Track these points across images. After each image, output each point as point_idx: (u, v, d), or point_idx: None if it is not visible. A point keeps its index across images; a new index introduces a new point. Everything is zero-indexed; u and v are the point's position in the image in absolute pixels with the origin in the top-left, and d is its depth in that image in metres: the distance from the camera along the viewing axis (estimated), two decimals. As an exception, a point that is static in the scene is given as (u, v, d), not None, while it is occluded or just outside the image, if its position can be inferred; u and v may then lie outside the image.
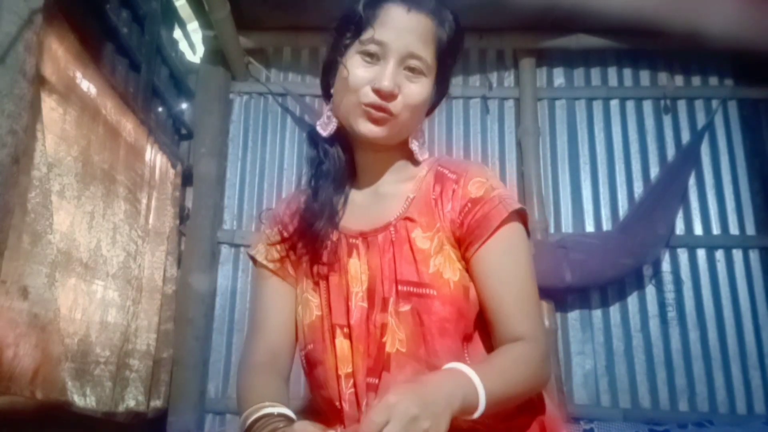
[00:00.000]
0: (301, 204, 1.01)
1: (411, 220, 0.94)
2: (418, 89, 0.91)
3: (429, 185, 0.96)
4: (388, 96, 0.88)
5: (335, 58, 0.94)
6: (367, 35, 0.90)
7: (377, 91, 0.88)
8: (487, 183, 0.93)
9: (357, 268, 0.93)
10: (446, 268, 0.90)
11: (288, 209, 1.05)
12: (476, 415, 0.74)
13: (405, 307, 0.88)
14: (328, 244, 0.95)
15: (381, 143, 0.93)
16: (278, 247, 1.01)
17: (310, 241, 0.96)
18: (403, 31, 0.89)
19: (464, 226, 0.91)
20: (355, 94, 0.90)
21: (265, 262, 1.02)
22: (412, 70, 0.90)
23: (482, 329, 0.93)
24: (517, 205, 0.92)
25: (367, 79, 0.89)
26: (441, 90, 0.98)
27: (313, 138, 0.99)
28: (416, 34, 0.90)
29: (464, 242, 0.91)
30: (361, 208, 0.99)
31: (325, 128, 0.96)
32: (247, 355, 0.99)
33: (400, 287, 0.89)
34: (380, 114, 0.89)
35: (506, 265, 0.90)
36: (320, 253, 0.95)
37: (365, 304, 0.91)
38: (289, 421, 0.81)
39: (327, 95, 1.00)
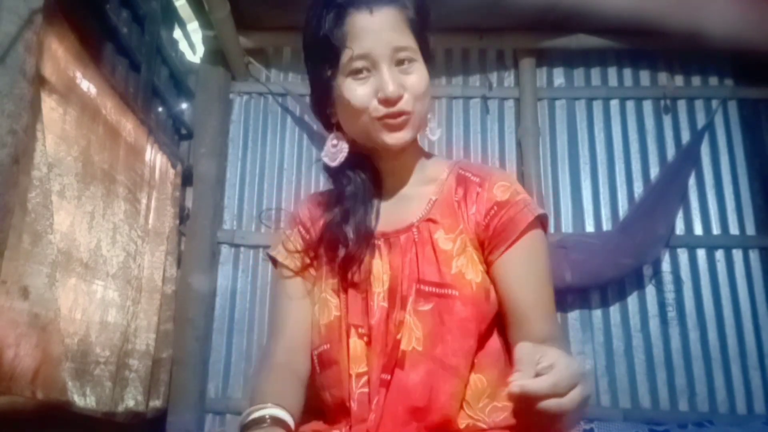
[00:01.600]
0: (326, 211, 1.00)
1: (434, 221, 0.94)
2: (417, 78, 0.90)
3: (451, 188, 0.97)
4: (397, 100, 0.88)
5: (326, 94, 0.93)
6: (346, 57, 0.88)
7: (385, 101, 0.88)
8: (511, 187, 0.94)
9: (379, 268, 0.94)
10: (468, 269, 0.91)
11: (309, 212, 1.04)
12: None
13: (426, 306, 0.88)
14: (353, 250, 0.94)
15: (407, 146, 0.93)
16: (300, 248, 1.01)
17: (342, 258, 0.94)
18: (377, 34, 0.88)
19: (490, 228, 0.92)
20: (365, 113, 0.89)
21: (286, 263, 1.01)
22: (403, 62, 0.90)
23: (500, 329, 0.94)
24: (540, 210, 0.93)
25: (369, 94, 0.89)
26: (428, 60, 0.97)
27: (330, 169, 0.98)
28: (390, 29, 0.89)
29: (489, 245, 0.92)
30: (384, 210, 0.99)
31: (334, 158, 0.95)
32: (265, 356, 0.99)
33: (421, 287, 0.89)
34: (398, 120, 0.89)
35: (531, 270, 0.92)
36: (345, 260, 0.94)
37: (386, 304, 0.91)
38: (276, 423, 0.80)
39: (329, 125, 0.99)
